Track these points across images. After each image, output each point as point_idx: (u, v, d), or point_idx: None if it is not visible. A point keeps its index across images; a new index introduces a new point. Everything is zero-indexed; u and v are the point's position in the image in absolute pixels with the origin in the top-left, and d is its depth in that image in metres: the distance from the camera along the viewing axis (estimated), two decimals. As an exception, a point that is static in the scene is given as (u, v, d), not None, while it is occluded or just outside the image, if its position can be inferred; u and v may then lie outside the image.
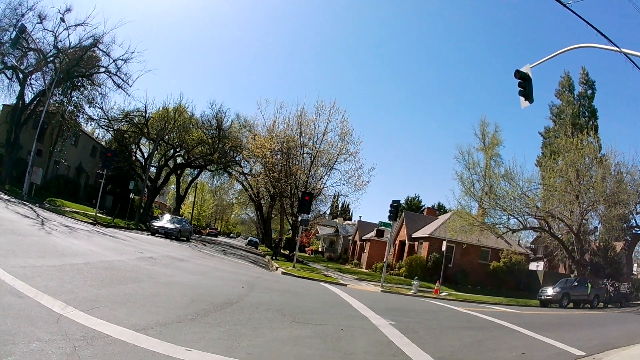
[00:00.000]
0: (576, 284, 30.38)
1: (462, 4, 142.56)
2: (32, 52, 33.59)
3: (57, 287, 6.81)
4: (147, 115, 44.10)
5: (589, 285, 30.29)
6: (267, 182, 42.98)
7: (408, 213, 51.69)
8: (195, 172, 57.52)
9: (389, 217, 27.37)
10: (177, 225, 32.13)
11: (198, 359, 4.96)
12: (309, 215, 36.30)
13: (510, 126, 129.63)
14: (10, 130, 33.95)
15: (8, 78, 34.01)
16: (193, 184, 64.50)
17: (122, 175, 47.62)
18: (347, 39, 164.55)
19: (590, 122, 50.35)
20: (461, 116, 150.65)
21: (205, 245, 34.60)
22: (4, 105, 39.35)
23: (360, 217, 75.72)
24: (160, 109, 46.08)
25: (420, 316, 13.59)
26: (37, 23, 32.88)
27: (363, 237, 55.67)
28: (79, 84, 37.14)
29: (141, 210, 44.77)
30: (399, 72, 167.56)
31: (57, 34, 33.66)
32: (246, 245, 67.64)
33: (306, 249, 72.72)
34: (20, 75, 33.58)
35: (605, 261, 37.53)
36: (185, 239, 32.63)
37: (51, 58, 33.87)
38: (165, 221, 32.84)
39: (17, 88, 34.20)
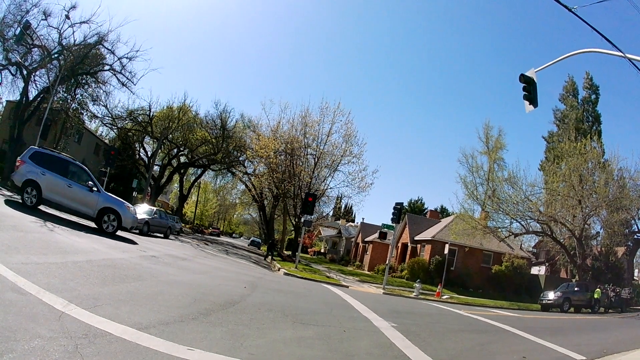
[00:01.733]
0: (577, 288, 30.35)
1: (468, 7, 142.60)
2: (36, 49, 33.59)
3: (59, 284, 6.79)
4: (151, 114, 44.25)
5: (599, 290, 30.29)
6: (270, 182, 43.06)
7: (411, 215, 51.72)
8: (199, 172, 57.71)
9: (392, 220, 27.38)
10: (145, 217, 25.54)
11: (200, 358, 4.94)
12: (312, 217, 36.34)
13: (514, 130, 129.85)
14: (13, 126, 34.00)
15: (12, 74, 34.02)
16: (196, 183, 64.67)
17: (125, 173, 47.77)
18: (352, 40, 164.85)
19: (594, 127, 50.36)
20: (465, 119, 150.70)
21: (207, 244, 34.64)
22: (7, 101, 39.44)
23: (363, 219, 75.85)
24: (165, 107, 46.32)
25: (422, 319, 13.56)
26: (42, 20, 32.91)
27: (366, 239, 55.68)
28: (83, 81, 37.19)
29: (144, 209, 44.84)
30: (403, 74, 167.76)
31: (61, 31, 33.69)
32: (248, 245, 67.76)
33: (309, 250, 72.80)
34: (24, 72, 33.59)
35: (606, 266, 37.51)
36: (161, 235, 26.12)
37: (55, 55, 33.87)
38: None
39: (21, 84, 34.25)
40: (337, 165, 41.46)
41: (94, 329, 5.01)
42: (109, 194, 18.31)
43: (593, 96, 52.99)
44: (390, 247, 30.54)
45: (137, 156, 49.87)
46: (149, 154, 49.10)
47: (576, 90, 53.91)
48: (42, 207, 16.84)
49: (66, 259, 9.19)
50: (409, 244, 45.08)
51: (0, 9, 31.67)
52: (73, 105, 38.02)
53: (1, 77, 33.70)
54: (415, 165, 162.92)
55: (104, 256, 10.98)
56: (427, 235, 42.31)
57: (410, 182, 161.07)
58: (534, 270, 46.21)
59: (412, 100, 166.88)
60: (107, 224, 16.89)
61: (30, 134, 35.03)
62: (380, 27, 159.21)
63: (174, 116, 44.96)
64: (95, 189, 16.94)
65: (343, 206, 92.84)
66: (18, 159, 16.04)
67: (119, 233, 17.56)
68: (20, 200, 16.09)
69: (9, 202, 16.27)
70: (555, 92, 57.31)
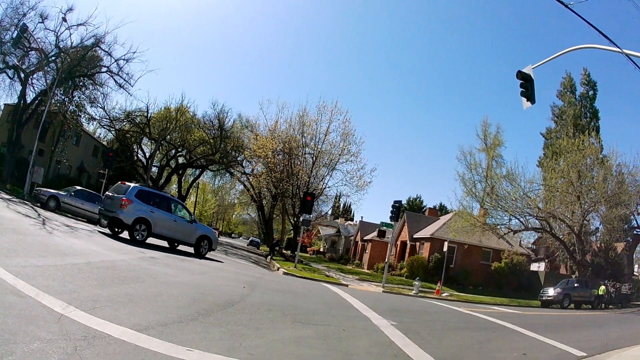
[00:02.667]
0: (577, 284, 30.40)
1: (465, 4, 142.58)
2: (33, 52, 33.59)
3: (58, 286, 6.79)
4: (148, 115, 44.17)
5: (604, 287, 30.36)
6: (268, 182, 43.11)
7: (410, 213, 51.75)
8: (197, 172, 57.60)
9: (391, 218, 27.39)
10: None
11: (199, 358, 4.94)
12: (311, 216, 36.36)
13: (512, 127, 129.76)
14: (11, 129, 33.98)
15: (9, 77, 34.03)
16: (195, 184, 64.58)
17: (124, 175, 47.65)
18: (350, 39, 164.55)
19: (592, 123, 50.26)
20: (463, 117, 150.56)
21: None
22: (5, 104, 39.39)
23: (361, 217, 75.90)
24: (162, 108, 46.27)
25: (422, 317, 13.57)
26: (39, 22, 32.92)
27: (365, 238, 55.72)
28: (81, 83, 37.16)
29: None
30: (401, 72, 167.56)
31: (58, 34, 33.72)
32: (248, 245, 67.79)
33: (308, 249, 72.80)
34: (22, 75, 33.59)
35: (606, 262, 37.51)
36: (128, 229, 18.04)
37: (53, 57, 33.87)
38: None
39: (19, 87, 34.25)
40: (335, 164, 41.61)
41: (93, 331, 5.02)
42: (201, 223, 22.86)
43: (591, 92, 52.88)
44: (389, 245, 30.54)
45: (135, 157, 49.82)
46: (147, 155, 49.07)
47: (574, 87, 53.82)
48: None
49: (65, 261, 9.19)
50: (408, 242, 45.12)
51: (-3, 13, 31.67)
52: (71, 107, 38.02)
53: (-1, 81, 33.78)
54: (414, 163, 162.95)
55: (103, 258, 10.98)
56: (426, 233, 42.36)
57: (408, 180, 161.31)
58: (534, 267, 46.28)
59: (411, 99, 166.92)
60: (202, 248, 20.10)
61: (29, 137, 35.02)
62: (380, 26, 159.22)
63: (171, 117, 44.91)
64: (194, 221, 20.19)
65: (342, 205, 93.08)
66: (124, 197, 17.36)
67: (208, 255, 20.72)
68: (129, 237, 17.54)
69: (106, 235, 16.70)
70: (553, 88, 57.41)
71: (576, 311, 27.51)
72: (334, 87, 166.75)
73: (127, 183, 18.70)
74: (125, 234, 17.95)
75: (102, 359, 4.32)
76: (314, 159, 41.02)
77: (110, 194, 18.58)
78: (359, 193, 47.19)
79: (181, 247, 20.09)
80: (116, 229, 18.15)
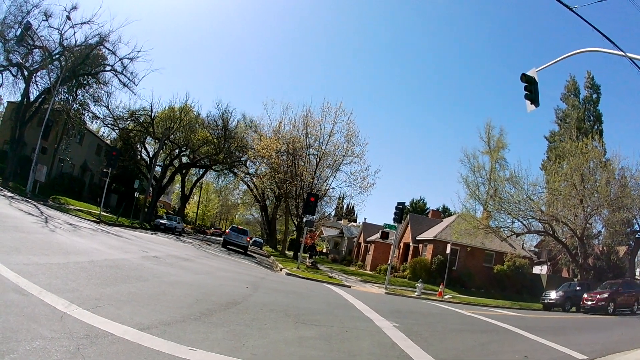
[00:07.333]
0: (579, 288, 30.27)
1: (468, 6, 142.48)
2: (37, 50, 33.61)
3: (60, 285, 6.80)
4: (152, 114, 44.19)
5: None
6: (272, 182, 43.13)
7: (413, 215, 51.58)
8: (201, 172, 57.73)
9: (394, 219, 27.32)
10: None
11: (202, 358, 4.93)
12: (314, 217, 36.30)
13: (516, 130, 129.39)
14: (14, 127, 34.00)
15: (13, 75, 34.03)
16: (198, 183, 64.68)
17: (127, 174, 47.76)
18: (353, 40, 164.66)
19: (595, 127, 50.06)
20: (467, 119, 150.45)
21: (209, 245, 34.66)
22: (8, 102, 39.50)
23: (365, 218, 75.81)
24: (166, 108, 46.31)
25: (424, 319, 13.54)
26: (43, 20, 32.94)
27: (368, 239, 55.56)
28: (85, 82, 37.14)
29: (146, 209, 44.82)
30: (405, 74, 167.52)
31: (62, 32, 33.72)
32: (250, 245, 67.72)
33: (311, 250, 72.70)
34: (25, 73, 33.58)
35: (608, 265, 37.37)
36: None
37: (57, 56, 33.87)
38: None
39: (22, 85, 34.27)
40: (339, 165, 41.46)
41: (95, 330, 5.02)
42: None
43: (594, 95, 52.66)
44: (392, 246, 30.45)
45: (139, 157, 49.82)
46: (151, 154, 49.08)
47: (577, 90, 53.60)
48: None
49: (68, 259, 9.20)
50: (411, 244, 45.01)
51: (0, 10, 31.78)
52: (74, 106, 37.95)
53: (2, 78, 33.77)
54: (417, 165, 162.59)
55: (106, 257, 10.99)
56: (429, 235, 42.24)
57: (412, 182, 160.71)
58: (536, 270, 46.14)
59: (414, 101, 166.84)
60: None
61: (32, 135, 35.06)
62: (382, 27, 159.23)
63: (175, 116, 44.93)
64: (251, 238, 36.62)
65: (345, 206, 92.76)
66: (248, 237, 33.08)
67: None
68: (244, 253, 32.58)
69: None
70: (557, 91, 57.17)
71: (578, 314, 27.40)
72: (338, 89, 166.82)
73: (241, 228, 38.02)
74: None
75: (105, 358, 4.32)
76: (318, 159, 40.92)
77: (236, 234, 35.83)
78: (363, 194, 47.16)
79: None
80: (237, 249, 34.78)
